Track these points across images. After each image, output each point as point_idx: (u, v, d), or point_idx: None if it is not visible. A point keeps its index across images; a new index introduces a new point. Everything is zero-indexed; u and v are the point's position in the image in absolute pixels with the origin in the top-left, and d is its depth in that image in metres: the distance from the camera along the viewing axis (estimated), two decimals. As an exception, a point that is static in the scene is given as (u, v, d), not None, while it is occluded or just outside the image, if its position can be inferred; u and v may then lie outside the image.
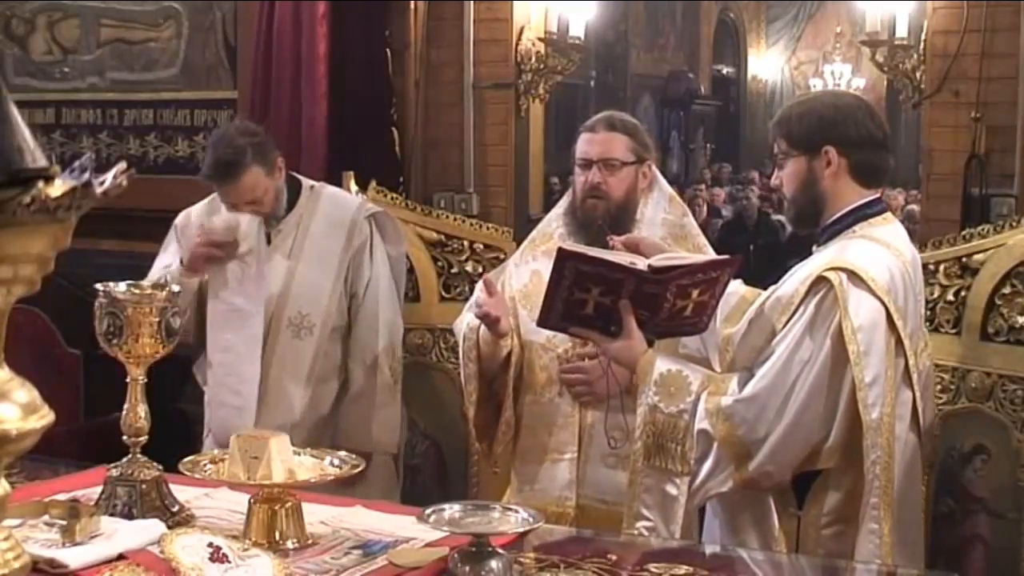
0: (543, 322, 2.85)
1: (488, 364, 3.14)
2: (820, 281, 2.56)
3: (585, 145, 3.12)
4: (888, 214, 2.77)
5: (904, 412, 2.63)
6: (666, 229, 3.12)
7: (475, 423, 3.22)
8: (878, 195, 2.76)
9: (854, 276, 2.55)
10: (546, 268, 2.98)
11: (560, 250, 2.70)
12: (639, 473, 2.67)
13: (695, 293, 2.69)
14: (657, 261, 2.70)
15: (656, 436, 2.65)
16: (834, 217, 2.70)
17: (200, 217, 3.72)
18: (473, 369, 3.15)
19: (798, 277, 2.64)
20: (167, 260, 3.67)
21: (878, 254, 2.62)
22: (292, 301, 3.64)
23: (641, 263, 2.69)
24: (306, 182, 3.75)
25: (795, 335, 2.57)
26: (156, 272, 3.60)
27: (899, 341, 2.58)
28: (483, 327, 3.09)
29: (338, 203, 3.76)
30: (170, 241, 3.75)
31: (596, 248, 2.83)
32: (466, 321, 3.19)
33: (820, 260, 2.63)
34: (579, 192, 3.10)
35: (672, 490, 2.63)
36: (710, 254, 3.09)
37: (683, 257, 2.78)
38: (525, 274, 3.23)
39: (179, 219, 3.76)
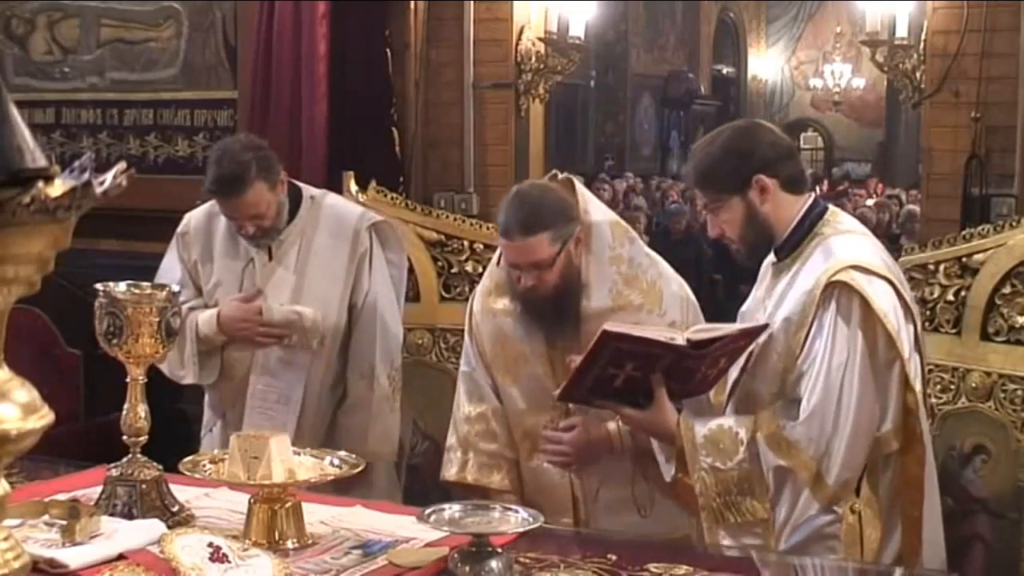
0: (566, 397, 2.80)
1: None
2: (830, 287, 2.57)
3: (507, 252, 2.92)
4: (831, 207, 2.80)
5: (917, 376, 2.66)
6: (616, 273, 2.98)
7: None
8: (814, 196, 2.78)
9: (859, 268, 2.56)
10: (507, 327, 3.01)
11: (604, 332, 2.62)
12: (715, 536, 2.63)
13: (723, 361, 2.72)
14: (695, 335, 2.67)
15: (724, 495, 2.63)
16: (787, 233, 2.72)
17: (200, 225, 3.66)
18: None
19: (802, 291, 2.64)
20: (177, 275, 3.59)
21: (860, 243, 2.66)
22: None
23: (680, 338, 2.66)
24: (306, 191, 3.69)
25: (826, 343, 2.57)
26: (163, 279, 3.56)
27: (907, 311, 2.61)
28: None
29: (340, 214, 3.70)
30: (172, 252, 3.70)
31: (638, 326, 2.78)
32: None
33: (816, 270, 2.63)
34: (517, 286, 2.97)
35: (754, 540, 2.61)
36: (664, 286, 3.01)
37: (717, 328, 2.74)
38: (490, 332, 3.11)
39: (180, 226, 3.70)
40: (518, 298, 2.97)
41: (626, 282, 2.97)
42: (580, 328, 2.89)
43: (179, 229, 3.70)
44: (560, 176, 3.07)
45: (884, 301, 2.55)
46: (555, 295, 2.89)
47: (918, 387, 2.57)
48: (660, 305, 2.96)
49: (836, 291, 2.56)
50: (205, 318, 3.55)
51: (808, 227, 2.70)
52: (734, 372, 2.78)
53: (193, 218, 3.70)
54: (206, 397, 3.75)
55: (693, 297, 3.09)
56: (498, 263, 3.09)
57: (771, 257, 2.77)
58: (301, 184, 3.72)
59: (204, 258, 3.65)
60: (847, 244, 2.64)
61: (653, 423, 2.72)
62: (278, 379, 3.59)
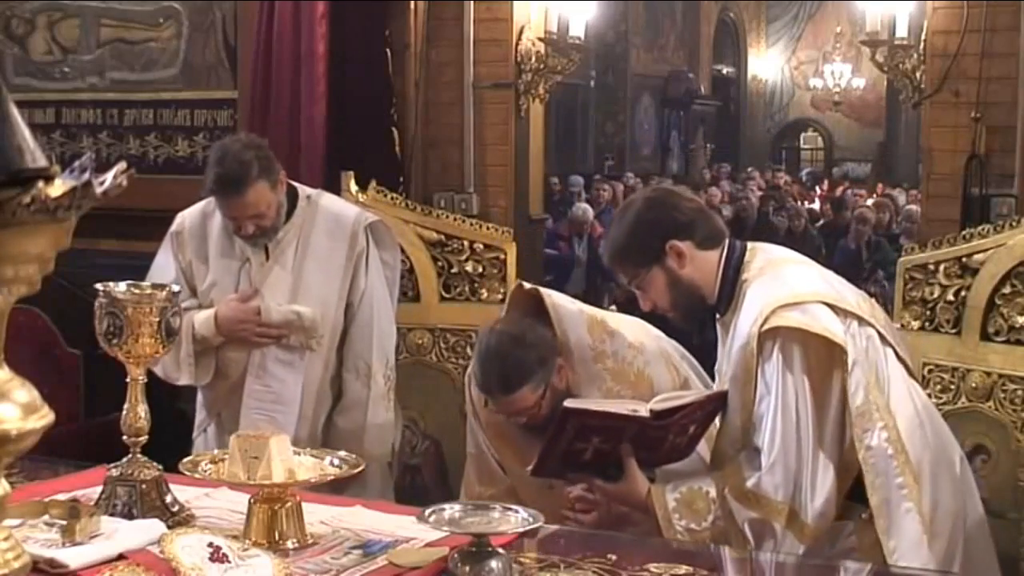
0: (538, 472, 2.81)
1: None
2: (767, 334, 2.58)
3: (498, 407, 2.94)
4: (748, 244, 2.80)
5: (896, 370, 2.67)
6: (604, 369, 2.97)
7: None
8: (729, 242, 2.77)
9: (786, 305, 2.57)
10: (504, 424, 2.99)
11: (564, 409, 2.67)
12: None
13: (692, 428, 2.75)
14: (657, 405, 2.71)
15: None
16: (716, 289, 2.73)
17: (195, 224, 3.66)
18: None
19: (739, 347, 2.64)
20: (170, 274, 3.60)
21: (781, 275, 2.67)
22: None
23: (643, 409, 2.69)
24: (303, 191, 3.69)
25: (776, 389, 2.58)
26: (156, 277, 3.57)
27: (858, 318, 2.62)
28: None
29: (337, 213, 3.70)
30: (166, 251, 3.69)
31: (598, 400, 2.81)
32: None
33: (747, 321, 2.63)
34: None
35: None
36: (652, 372, 2.98)
37: (680, 396, 2.78)
38: (491, 424, 3.09)
39: (174, 225, 3.70)
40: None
41: (614, 377, 2.96)
42: None
43: (172, 228, 3.69)
44: (526, 287, 3.06)
45: (824, 321, 2.56)
46: (550, 416, 2.84)
47: (859, 400, 2.55)
48: (652, 392, 2.92)
49: (772, 340, 2.58)
50: (202, 319, 3.55)
51: (733, 275, 2.72)
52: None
53: (187, 217, 3.69)
54: (199, 397, 3.75)
55: (676, 347, 3.10)
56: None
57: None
58: (297, 184, 3.72)
59: (199, 258, 3.64)
60: (766, 285, 2.65)
61: (625, 494, 2.75)
62: (275, 379, 3.58)
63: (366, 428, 3.62)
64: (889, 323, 2.82)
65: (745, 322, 2.64)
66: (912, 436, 2.61)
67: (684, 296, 2.74)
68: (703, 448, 2.88)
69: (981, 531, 2.76)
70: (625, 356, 2.98)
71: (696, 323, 2.87)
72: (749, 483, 2.60)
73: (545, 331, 2.93)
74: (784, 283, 2.64)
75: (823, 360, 2.57)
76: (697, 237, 2.71)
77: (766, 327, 2.57)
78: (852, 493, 2.63)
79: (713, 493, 2.65)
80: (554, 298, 3.02)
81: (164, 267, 3.65)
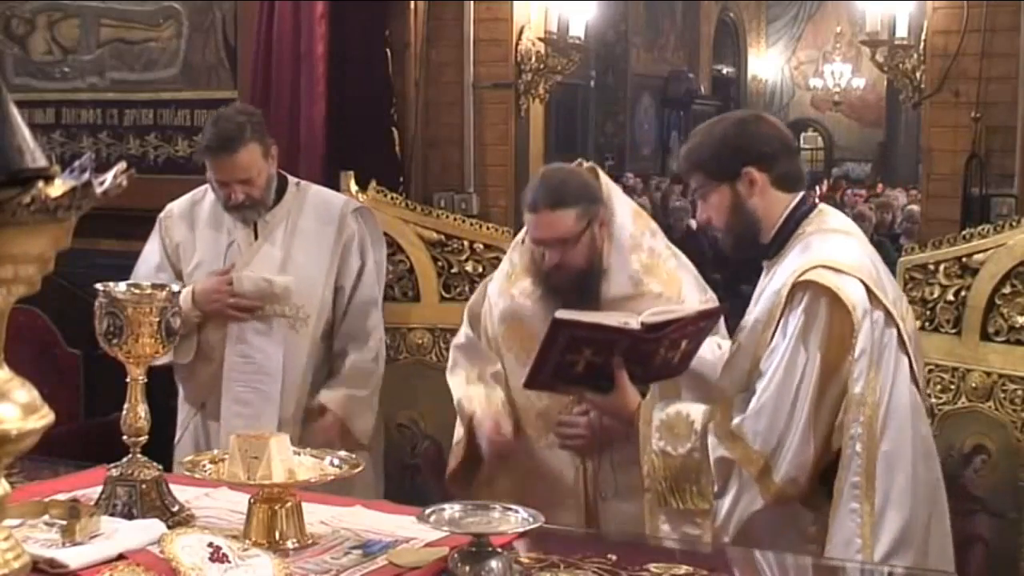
0: (530, 384, 2.84)
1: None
2: (799, 287, 2.57)
3: (533, 228, 2.97)
4: (821, 205, 2.80)
5: (902, 378, 2.64)
6: (637, 261, 3.01)
7: (452, 472, 3.17)
8: (803, 194, 2.78)
9: (830, 267, 2.57)
10: (525, 310, 3.02)
11: (555, 320, 2.68)
12: (656, 519, 2.68)
13: (684, 343, 2.74)
14: (649, 318, 2.71)
15: (670, 480, 2.65)
16: (774, 230, 2.72)
17: (183, 209, 3.75)
18: (462, 433, 3.10)
19: (772, 291, 2.65)
20: (154, 261, 3.70)
21: (838, 242, 2.65)
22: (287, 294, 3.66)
23: (634, 321, 2.70)
24: (291, 179, 3.78)
25: (788, 344, 2.57)
26: (143, 272, 3.61)
27: (887, 313, 2.60)
28: (479, 419, 3.04)
29: (325, 199, 3.80)
30: (154, 237, 3.78)
31: (590, 312, 2.82)
32: (463, 393, 3.13)
33: (788, 269, 2.64)
34: (541, 265, 3.00)
35: (693, 530, 2.64)
36: (683, 276, 3.04)
37: (673, 310, 2.78)
38: (503, 312, 3.13)
39: (162, 213, 3.80)
40: (540, 279, 3.01)
41: (646, 270, 3.00)
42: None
43: (161, 214, 3.80)
44: (585, 164, 3.13)
45: (853, 297, 2.54)
46: (577, 277, 2.94)
47: (858, 388, 2.54)
48: (680, 294, 2.99)
49: (804, 291, 2.57)
50: (181, 296, 3.59)
51: (794, 225, 2.70)
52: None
53: (175, 205, 3.80)
54: (181, 392, 3.77)
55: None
56: (523, 241, 3.12)
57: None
58: (286, 173, 3.79)
59: (187, 239, 3.73)
60: (825, 243, 2.64)
61: (615, 406, 2.77)
62: (254, 349, 3.63)
63: (366, 399, 3.69)
64: (916, 336, 2.79)
65: (786, 269, 2.64)
66: (891, 452, 2.57)
67: (741, 224, 2.73)
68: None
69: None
70: (661, 253, 3.05)
71: (739, 254, 2.85)
72: (734, 422, 2.60)
73: (597, 184, 3.02)
74: (834, 247, 2.63)
75: (845, 334, 2.55)
76: (775, 173, 2.70)
77: (803, 278, 2.56)
78: (825, 478, 2.62)
79: (698, 424, 2.66)
80: (609, 181, 3.12)
81: (149, 254, 3.75)
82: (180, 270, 3.71)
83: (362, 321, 3.73)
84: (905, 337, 2.65)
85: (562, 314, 2.72)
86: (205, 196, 3.74)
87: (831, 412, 2.57)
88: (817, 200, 2.85)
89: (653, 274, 3.00)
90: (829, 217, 2.75)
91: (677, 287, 3.00)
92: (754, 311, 2.71)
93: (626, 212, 3.06)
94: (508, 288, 3.13)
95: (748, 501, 2.59)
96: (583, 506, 3.02)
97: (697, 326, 2.74)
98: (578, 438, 2.97)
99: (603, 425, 2.92)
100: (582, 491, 3.03)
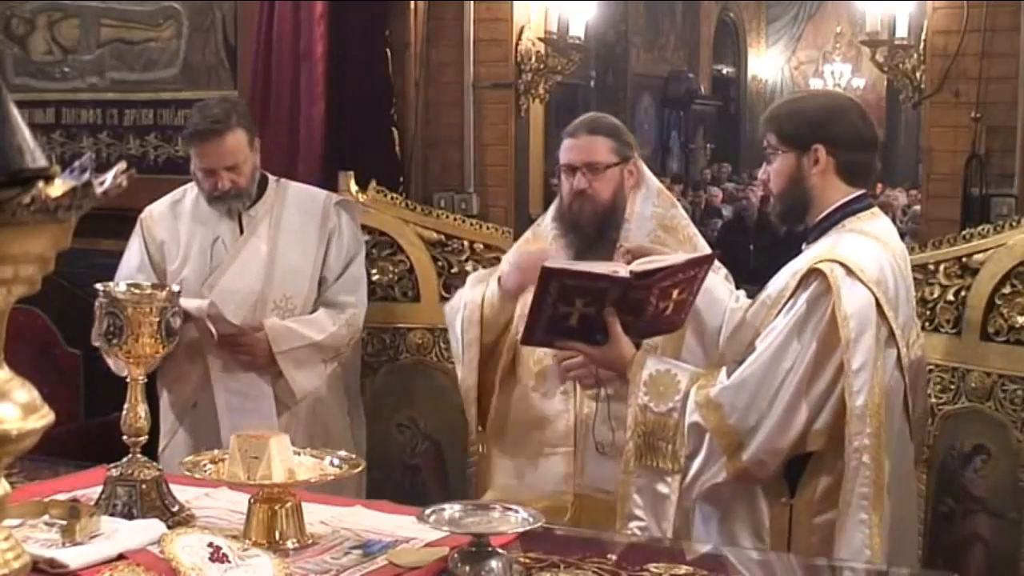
0: (527, 340, 2.88)
1: (489, 330, 3.14)
2: (812, 274, 2.59)
3: (567, 151, 3.09)
4: (875, 209, 2.81)
5: (896, 402, 2.64)
6: (655, 222, 3.12)
7: (468, 385, 3.19)
8: (863, 192, 2.78)
9: (845, 268, 2.57)
10: (544, 253, 3.04)
11: (544, 269, 2.71)
12: (631, 473, 2.71)
13: (675, 293, 2.75)
14: (639, 266, 2.73)
15: (647, 436, 2.69)
16: (822, 215, 2.73)
17: (164, 209, 3.77)
18: (475, 334, 3.14)
19: (789, 271, 2.67)
20: (134, 261, 3.69)
21: (868, 247, 2.65)
22: (276, 284, 3.69)
23: (623, 270, 2.72)
24: (271, 176, 3.82)
25: (786, 327, 2.59)
26: (124, 274, 3.60)
27: (891, 332, 2.60)
28: (492, 291, 3.10)
29: (308, 192, 3.86)
30: (134, 239, 3.78)
31: (578, 261, 2.85)
32: (465, 295, 3.20)
33: (810, 255, 2.66)
34: (566, 197, 3.09)
35: (663, 489, 2.67)
36: (700, 243, 3.12)
37: (662, 259, 2.80)
38: (516, 261, 3.19)
39: (143, 214, 3.81)
40: (563, 213, 3.09)
41: (665, 229, 3.10)
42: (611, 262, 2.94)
43: (141, 215, 3.80)
44: None
45: (855, 306, 2.54)
46: (599, 218, 3.02)
47: (859, 401, 2.52)
48: (695, 252, 3.01)
49: (815, 281, 2.58)
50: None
51: (840, 217, 2.72)
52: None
53: (155, 205, 3.82)
54: (164, 399, 3.72)
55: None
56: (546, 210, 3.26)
57: None
58: (265, 171, 3.82)
59: (171, 237, 3.74)
60: (852, 242, 2.64)
61: (610, 358, 2.79)
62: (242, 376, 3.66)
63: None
64: (920, 369, 2.80)
65: (808, 255, 2.66)
66: (891, 451, 2.58)
67: (793, 197, 2.76)
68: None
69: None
70: (680, 221, 3.15)
71: (783, 222, 2.88)
72: (713, 390, 2.63)
73: (633, 144, 3.15)
74: (860, 249, 2.63)
75: (835, 339, 2.54)
76: (842, 159, 2.72)
77: (816, 265, 2.58)
78: (790, 471, 2.64)
79: (683, 385, 2.68)
80: (640, 161, 3.22)
81: (130, 256, 3.75)
82: (165, 269, 3.70)
83: (338, 296, 3.75)
84: (904, 362, 2.65)
85: (552, 263, 2.76)
86: (185, 195, 3.77)
87: (814, 409, 2.57)
88: (874, 203, 2.84)
89: (671, 233, 3.09)
90: (875, 221, 2.75)
91: (692, 247, 3.07)
92: (768, 287, 2.73)
93: (654, 182, 3.20)
94: (526, 246, 3.23)
95: (713, 472, 2.63)
96: (572, 461, 3.04)
97: (688, 274, 2.75)
98: (582, 367, 2.97)
99: (604, 353, 2.89)
100: (572, 447, 3.04)
